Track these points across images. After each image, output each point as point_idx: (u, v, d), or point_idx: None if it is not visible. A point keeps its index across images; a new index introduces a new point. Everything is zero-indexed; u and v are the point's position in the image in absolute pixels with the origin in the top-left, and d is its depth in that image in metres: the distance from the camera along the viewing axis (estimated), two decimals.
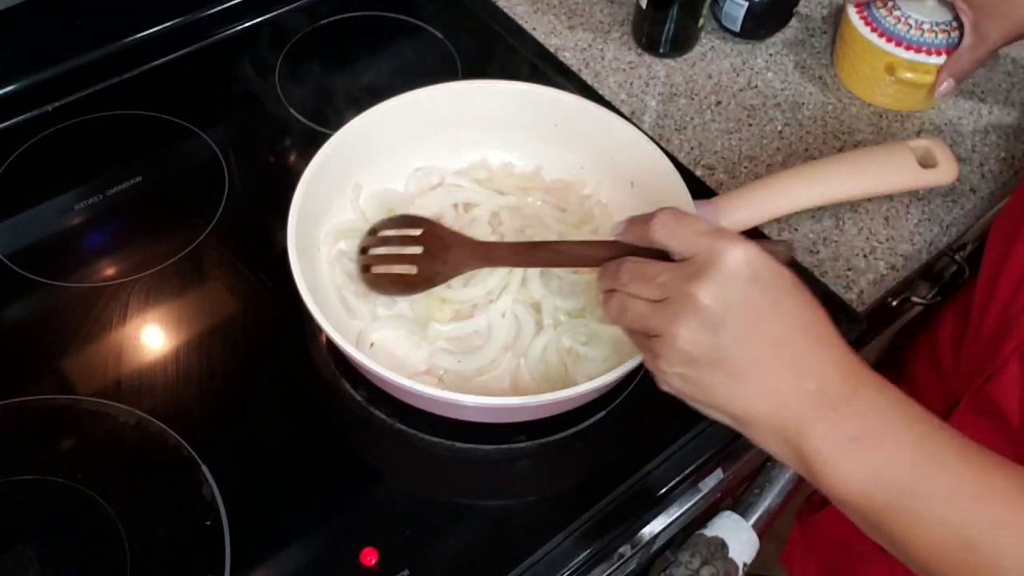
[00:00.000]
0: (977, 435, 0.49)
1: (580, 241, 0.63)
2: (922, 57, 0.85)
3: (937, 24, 0.85)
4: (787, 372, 0.47)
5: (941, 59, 0.84)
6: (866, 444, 0.46)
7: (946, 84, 0.85)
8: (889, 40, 0.85)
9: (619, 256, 0.53)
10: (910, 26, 0.85)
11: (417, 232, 0.67)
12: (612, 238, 0.54)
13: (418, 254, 0.66)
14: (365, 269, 0.68)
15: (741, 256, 0.47)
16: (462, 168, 0.77)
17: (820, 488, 0.48)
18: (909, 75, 0.86)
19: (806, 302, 0.48)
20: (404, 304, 0.70)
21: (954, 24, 0.84)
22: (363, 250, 0.69)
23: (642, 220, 0.51)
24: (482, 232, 0.72)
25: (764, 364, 0.47)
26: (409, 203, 0.74)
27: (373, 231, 0.69)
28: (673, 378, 0.50)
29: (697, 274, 0.47)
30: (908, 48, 0.85)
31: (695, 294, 0.46)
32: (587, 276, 0.70)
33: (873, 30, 0.86)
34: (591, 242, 0.61)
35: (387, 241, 0.68)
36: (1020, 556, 0.43)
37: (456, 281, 0.68)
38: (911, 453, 0.46)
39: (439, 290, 0.68)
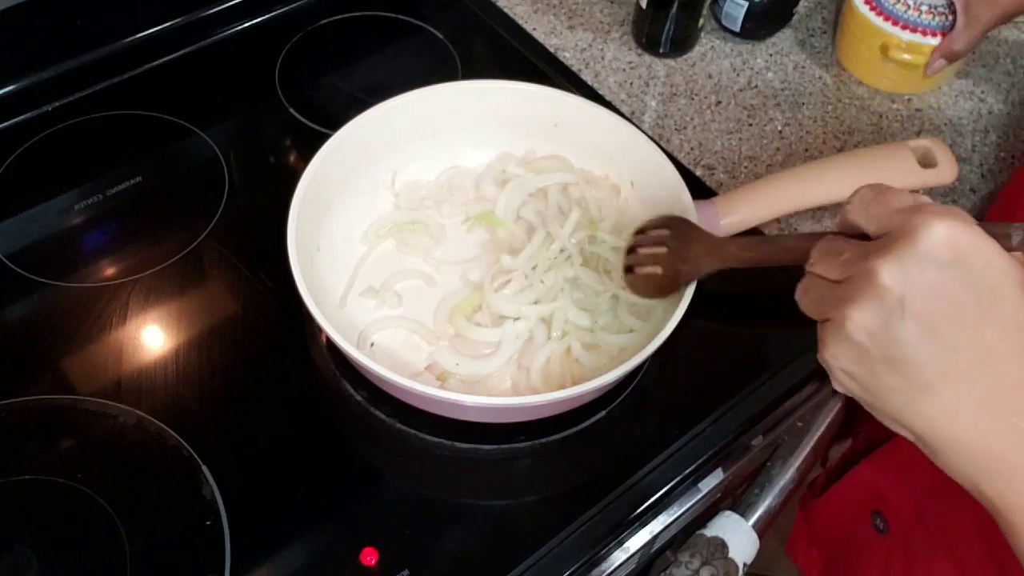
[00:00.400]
0: None
1: (800, 234, 0.56)
2: (917, 37, 0.87)
3: (935, 6, 0.86)
4: (995, 398, 0.37)
5: (936, 40, 0.86)
6: None
7: (938, 63, 0.86)
8: (887, 19, 0.87)
9: None
10: (908, 6, 0.86)
11: (666, 232, 0.65)
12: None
13: (663, 254, 0.64)
14: (629, 270, 0.67)
15: (943, 234, 0.37)
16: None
17: (1011, 539, 0.40)
18: (906, 56, 0.87)
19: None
20: (405, 304, 0.70)
21: (952, 7, 0.86)
22: (629, 250, 0.67)
23: (846, 200, 0.44)
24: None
25: (961, 380, 0.38)
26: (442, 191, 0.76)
27: (641, 231, 0.67)
28: (840, 375, 0.41)
29: (882, 249, 0.38)
30: (904, 28, 0.87)
31: (876, 271, 0.38)
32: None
33: (872, 8, 0.88)
34: (811, 234, 0.51)
35: (643, 242, 0.66)
36: None
37: (508, 290, 0.68)
38: None
39: (474, 296, 0.68)
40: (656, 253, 0.64)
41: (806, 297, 0.43)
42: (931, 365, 0.38)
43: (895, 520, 0.72)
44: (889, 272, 0.38)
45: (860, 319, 0.39)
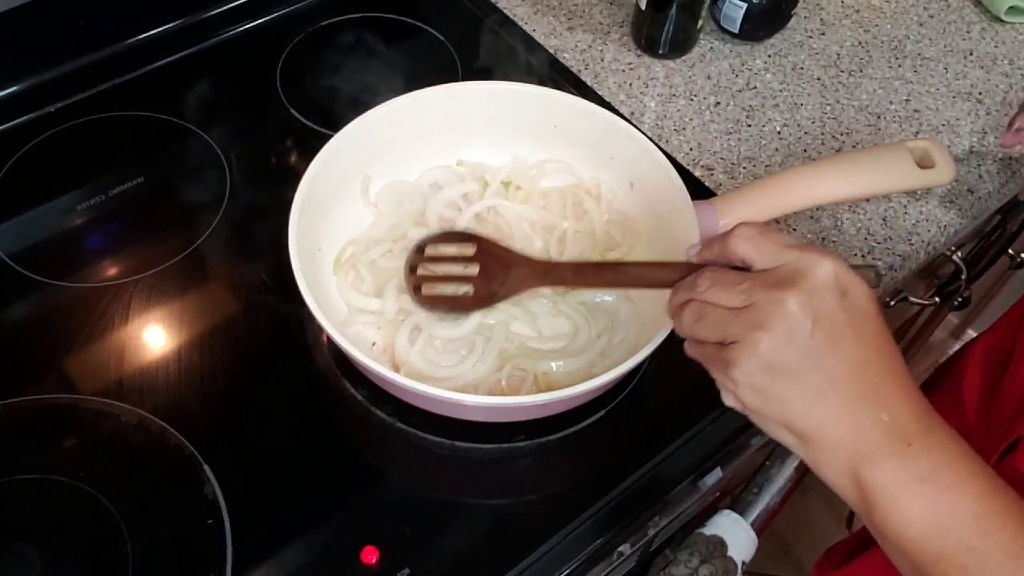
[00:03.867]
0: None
1: (649, 262, 0.60)
2: None
3: None
4: (865, 397, 0.46)
5: None
6: (933, 487, 0.45)
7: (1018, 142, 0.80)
8: None
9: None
10: None
11: (471, 250, 0.64)
12: (685, 259, 0.54)
13: (473, 275, 0.64)
14: (416, 289, 0.65)
15: (831, 269, 0.46)
16: (463, 168, 0.78)
17: (873, 525, 0.47)
18: None
19: (884, 329, 0.47)
20: (403, 304, 0.70)
21: None
22: (412, 269, 0.66)
23: (719, 238, 0.50)
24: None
25: (842, 385, 0.46)
26: (421, 196, 0.75)
27: (420, 248, 0.66)
28: (745, 390, 0.47)
29: (786, 281, 0.46)
30: None
31: (784, 299, 0.45)
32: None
33: None
34: (661, 263, 0.57)
35: (438, 259, 0.65)
36: None
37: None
38: (975, 505, 0.44)
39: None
40: (465, 275, 0.64)
41: (703, 322, 0.49)
42: (823, 375, 0.46)
43: None
44: (795, 301, 0.45)
45: (771, 340, 0.46)
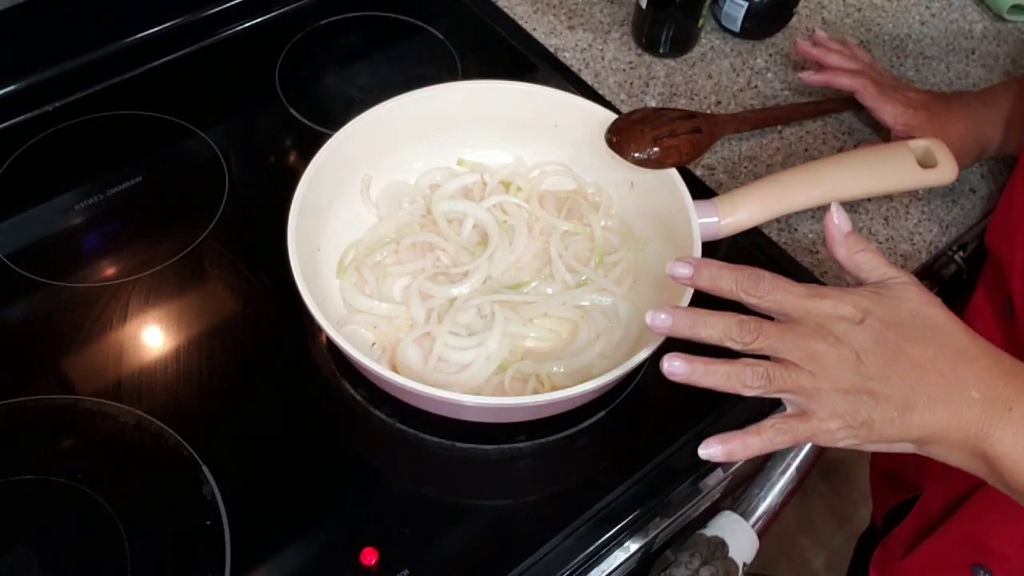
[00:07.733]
0: None
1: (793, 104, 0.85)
2: None
3: None
4: (948, 388, 0.49)
5: None
6: None
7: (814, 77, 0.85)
8: None
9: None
10: None
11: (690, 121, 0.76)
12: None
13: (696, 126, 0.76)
14: (653, 142, 0.72)
15: (838, 305, 0.50)
16: (463, 168, 0.77)
17: (1010, 489, 0.50)
18: None
19: (934, 316, 0.51)
20: (403, 305, 0.70)
21: None
22: (644, 124, 0.73)
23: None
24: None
25: (923, 387, 0.49)
26: (421, 196, 0.75)
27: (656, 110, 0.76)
28: (837, 433, 0.50)
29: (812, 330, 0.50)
30: None
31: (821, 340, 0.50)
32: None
33: None
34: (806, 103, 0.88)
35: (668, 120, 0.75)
36: None
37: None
38: None
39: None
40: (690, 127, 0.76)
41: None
42: (902, 388, 0.49)
43: (1001, 570, 0.71)
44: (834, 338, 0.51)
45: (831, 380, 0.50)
